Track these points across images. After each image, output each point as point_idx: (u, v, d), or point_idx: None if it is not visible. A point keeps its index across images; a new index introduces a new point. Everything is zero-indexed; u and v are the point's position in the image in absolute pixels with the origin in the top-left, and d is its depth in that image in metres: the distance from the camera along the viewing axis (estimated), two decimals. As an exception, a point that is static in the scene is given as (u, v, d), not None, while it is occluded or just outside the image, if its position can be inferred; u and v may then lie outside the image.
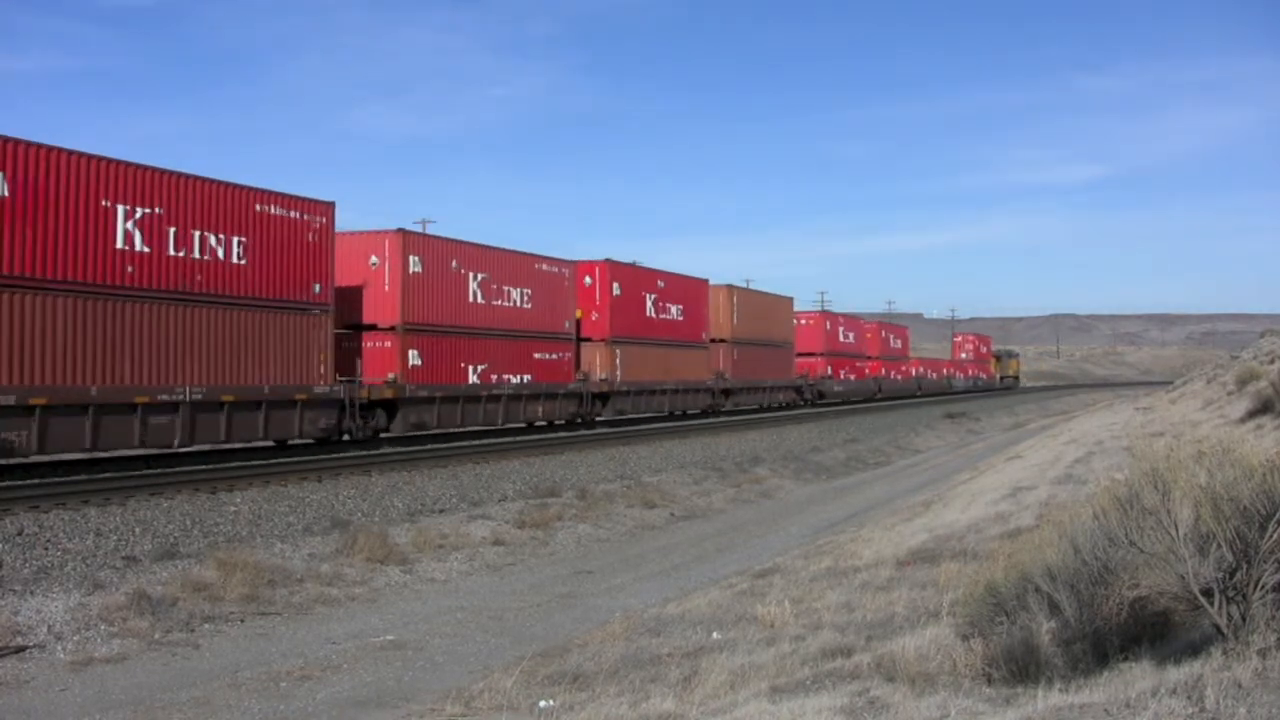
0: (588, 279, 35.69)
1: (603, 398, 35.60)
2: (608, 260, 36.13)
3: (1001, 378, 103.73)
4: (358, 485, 19.80)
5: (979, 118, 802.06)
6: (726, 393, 44.81)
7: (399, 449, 25.31)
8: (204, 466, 20.40)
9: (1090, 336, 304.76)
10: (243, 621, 11.74)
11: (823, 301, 76.44)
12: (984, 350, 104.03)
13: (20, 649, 10.00)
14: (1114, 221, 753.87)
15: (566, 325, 33.64)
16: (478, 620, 12.16)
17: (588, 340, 35.42)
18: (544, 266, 32.49)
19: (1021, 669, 5.95)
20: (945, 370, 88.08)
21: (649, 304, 38.51)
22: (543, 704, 7.85)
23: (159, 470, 19.62)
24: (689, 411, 42.32)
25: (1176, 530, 5.17)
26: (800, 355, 55.56)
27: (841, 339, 62.10)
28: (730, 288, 45.92)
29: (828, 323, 60.79)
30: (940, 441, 42.94)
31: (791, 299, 54.13)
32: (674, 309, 40.23)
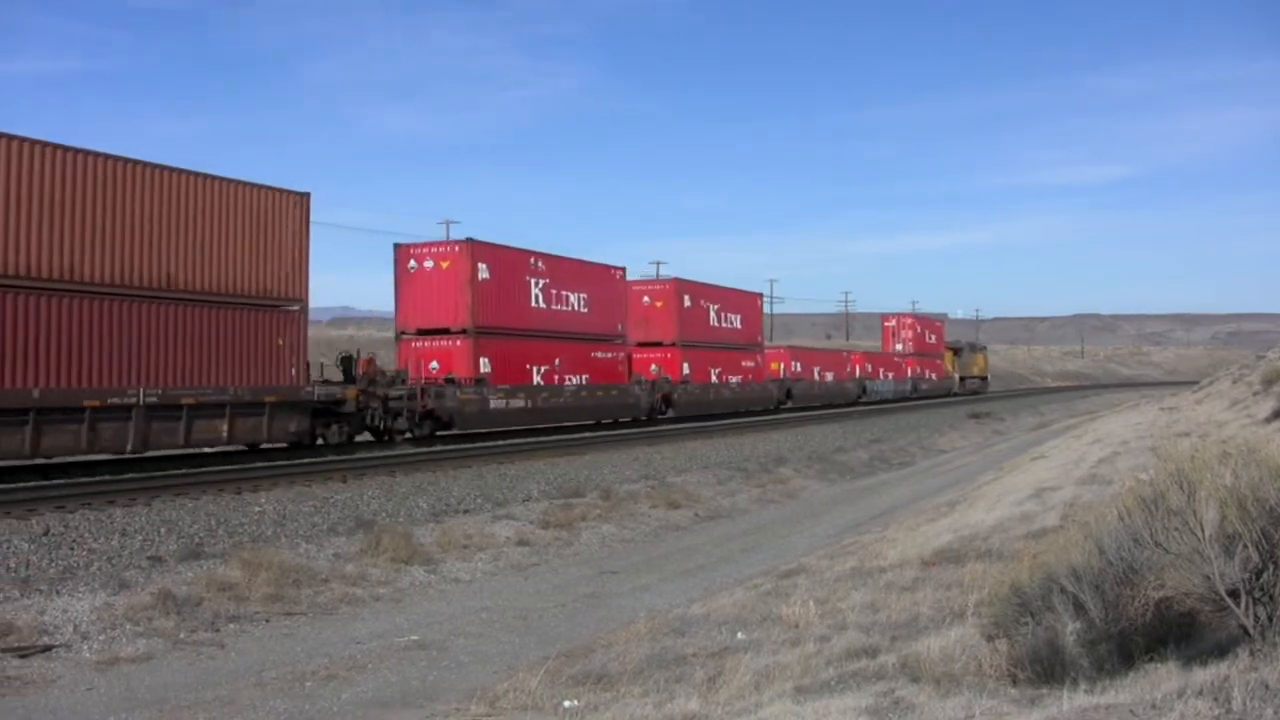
0: None
1: None
2: None
3: (963, 379, 78.20)
4: (382, 485, 19.88)
5: (999, 117, 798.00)
6: None
7: (422, 449, 25.37)
8: (229, 467, 20.52)
9: (1115, 336, 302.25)
10: (267, 621, 11.81)
11: (846, 302, 67.40)
12: (932, 340, 75.29)
13: (47, 648, 10.09)
14: (1138, 221, 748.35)
15: None
16: (502, 620, 12.19)
17: None
18: None
19: (1047, 670, 5.92)
20: (856, 368, 61.13)
21: None
22: (567, 704, 7.85)
23: (184, 470, 19.73)
24: None
25: (1202, 531, 5.13)
26: (418, 336, 29.54)
27: (550, 304, 32.07)
28: None
29: (476, 266, 28.90)
30: (964, 442, 42.75)
31: (306, 196, 23.21)
32: None
